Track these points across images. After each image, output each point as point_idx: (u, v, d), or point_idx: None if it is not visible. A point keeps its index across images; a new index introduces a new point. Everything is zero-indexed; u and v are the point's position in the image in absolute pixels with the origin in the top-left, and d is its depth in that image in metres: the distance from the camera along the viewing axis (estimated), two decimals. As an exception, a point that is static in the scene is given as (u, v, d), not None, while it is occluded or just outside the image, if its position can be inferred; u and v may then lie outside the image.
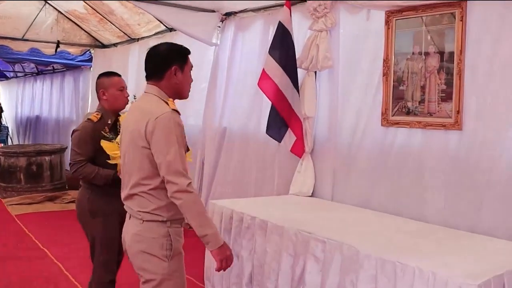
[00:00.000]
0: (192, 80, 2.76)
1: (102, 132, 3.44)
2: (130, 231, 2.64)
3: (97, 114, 3.52)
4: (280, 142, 4.89)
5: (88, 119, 3.51)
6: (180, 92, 2.70)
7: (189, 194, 2.47)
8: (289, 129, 4.79)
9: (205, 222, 2.54)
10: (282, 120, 4.77)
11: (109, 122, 3.53)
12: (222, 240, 2.58)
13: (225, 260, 2.58)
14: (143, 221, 2.58)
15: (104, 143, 3.40)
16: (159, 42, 2.82)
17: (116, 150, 3.34)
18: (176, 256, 2.61)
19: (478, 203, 3.61)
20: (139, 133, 2.52)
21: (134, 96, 3.86)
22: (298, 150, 4.82)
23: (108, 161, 3.38)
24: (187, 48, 2.75)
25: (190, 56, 2.74)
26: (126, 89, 3.65)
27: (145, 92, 2.69)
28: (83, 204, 3.53)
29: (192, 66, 2.76)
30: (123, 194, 2.70)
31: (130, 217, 2.67)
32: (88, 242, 3.60)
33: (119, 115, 3.61)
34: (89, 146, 3.43)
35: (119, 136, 3.34)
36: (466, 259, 2.94)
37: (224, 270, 2.62)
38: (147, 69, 2.69)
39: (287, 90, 4.68)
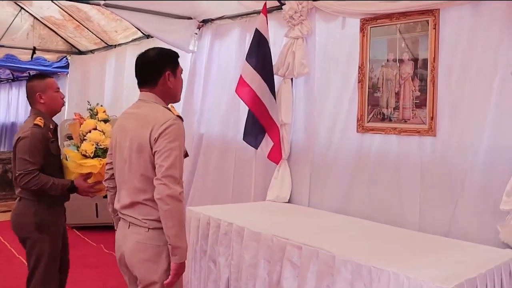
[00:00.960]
0: (182, 82, 2.79)
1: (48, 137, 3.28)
2: (131, 239, 2.59)
3: (40, 119, 3.26)
4: (256, 149, 4.91)
5: (35, 124, 3.23)
6: (174, 96, 2.72)
7: (179, 202, 2.47)
8: (266, 135, 4.81)
9: (182, 234, 2.54)
10: (259, 126, 4.79)
11: (51, 126, 3.35)
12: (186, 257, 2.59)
13: (177, 276, 2.57)
14: (149, 229, 2.55)
15: (69, 152, 3.27)
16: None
17: (81, 160, 3.23)
18: None
19: (453, 207, 3.67)
20: (143, 141, 2.51)
21: (88, 102, 3.71)
22: (275, 157, 4.84)
23: (75, 171, 3.26)
24: (176, 52, 2.77)
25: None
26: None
27: (141, 100, 2.68)
28: (28, 218, 3.26)
29: (182, 69, 2.79)
30: (121, 203, 2.65)
31: (129, 225, 2.61)
32: (25, 261, 3.36)
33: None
34: (40, 153, 3.20)
35: (84, 144, 3.28)
36: (441, 263, 2.98)
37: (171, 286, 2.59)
38: (140, 76, 2.69)
39: (264, 96, 4.71)
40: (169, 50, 2.78)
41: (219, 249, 3.91)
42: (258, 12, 5.02)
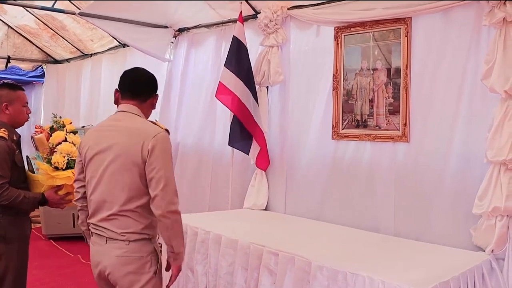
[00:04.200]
0: None
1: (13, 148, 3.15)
2: (112, 254, 2.55)
3: (4, 131, 3.12)
4: (248, 154, 4.88)
5: (1, 136, 3.09)
6: (147, 117, 2.73)
7: (178, 214, 2.52)
8: (253, 141, 4.80)
9: (182, 241, 2.60)
10: (246, 132, 4.78)
11: (15, 138, 3.22)
12: None
13: (176, 277, 2.66)
14: (129, 241, 2.53)
15: (41, 165, 3.17)
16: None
17: (53, 172, 3.16)
18: (159, 269, 2.62)
19: (426, 212, 3.73)
20: (133, 154, 2.48)
21: (53, 114, 3.61)
22: (262, 163, 4.83)
23: (47, 183, 3.16)
24: None
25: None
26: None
27: (122, 111, 2.66)
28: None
29: None
30: (97, 216, 2.60)
31: (106, 241, 2.57)
32: None
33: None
34: (8, 166, 3.07)
35: (55, 156, 3.18)
36: (415, 267, 3.03)
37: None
38: (135, 88, 2.67)
39: (248, 102, 4.72)
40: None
41: (197, 257, 3.91)
42: (233, 21, 5.06)
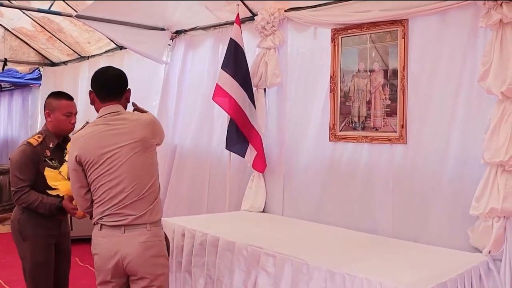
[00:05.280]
0: None
1: (43, 156, 3.31)
2: (134, 241, 2.71)
3: (38, 137, 3.36)
4: (244, 158, 4.87)
5: (28, 142, 3.33)
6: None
7: None
8: (250, 144, 4.79)
9: None
10: (242, 135, 4.77)
11: (51, 145, 3.38)
12: None
13: None
14: (150, 227, 2.77)
15: (47, 171, 3.23)
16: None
17: (57, 181, 3.20)
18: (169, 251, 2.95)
19: (424, 214, 3.73)
20: (145, 138, 2.79)
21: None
22: (259, 166, 4.82)
23: (48, 191, 3.23)
24: None
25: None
26: (74, 114, 3.48)
27: (111, 112, 2.82)
28: (14, 225, 3.40)
29: None
30: (119, 205, 2.72)
31: (124, 230, 2.71)
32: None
33: (67, 137, 3.45)
34: (31, 170, 3.28)
35: (63, 166, 3.22)
36: (412, 268, 3.03)
37: None
38: (113, 88, 2.86)
39: (244, 104, 4.71)
40: None
41: (194, 260, 3.91)
42: (231, 23, 5.05)
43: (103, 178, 2.75)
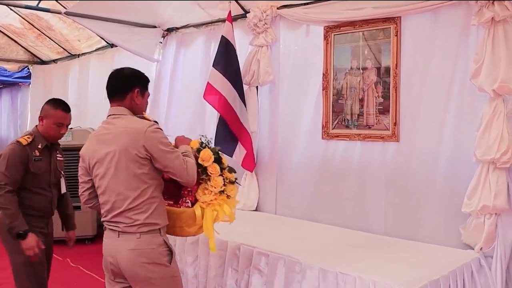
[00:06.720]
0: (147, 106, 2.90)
1: (32, 155, 3.32)
2: (124, 247, 2.65)
3: (27, 137, 3.35)
4: (232, 157, 4.86)
5: (18, 141, 3.34)
6: (138, 113, 2.81)
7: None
8: (239, 143, 4.78)
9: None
10: (231, 134, 4.76)
11: (40, 146, 3.38)
12: None
13: None
14: (140, 234, 2.63)
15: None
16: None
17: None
18: (174, 258, 2.74)
19: (416, 211, 3.74)
20: (128, 151, 2.59)
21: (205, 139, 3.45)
22: (248, 165, 4.81)
23: (186, 228, 3.00)
24: (148, 77, 2.89)
25: None
26: (66, 126, 3.47)
27: (113, 115, 2.73)
28: (2, 223, 3.32)
29: (149, 94, 2.92)
30: (111, 214, 2.68)
31: (119, 234, 2.67)
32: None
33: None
34: (18, 169, 3.27)
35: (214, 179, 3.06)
36: (406, 266, 3.03)
37: None
38: (111, 88, 2.78)
39: (234, 103, 4.70)
40: (143, 73, 2.89)
41: (187, 259, 3.89)
42: (222, 21, 5.03)
43: (96, 182, 2.75)
